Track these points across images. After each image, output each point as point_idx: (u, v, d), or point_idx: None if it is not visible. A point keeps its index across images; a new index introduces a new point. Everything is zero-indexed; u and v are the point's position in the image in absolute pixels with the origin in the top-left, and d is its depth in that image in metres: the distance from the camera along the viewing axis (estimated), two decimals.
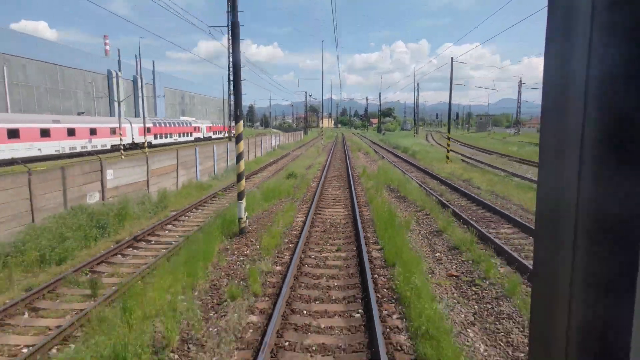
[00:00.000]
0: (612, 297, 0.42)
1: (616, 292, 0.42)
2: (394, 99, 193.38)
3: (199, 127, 59.87)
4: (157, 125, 47.20)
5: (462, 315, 5.48)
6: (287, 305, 5.59)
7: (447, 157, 23.70)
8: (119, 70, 51.83)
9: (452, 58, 22.93)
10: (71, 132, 31.71)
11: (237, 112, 8.61)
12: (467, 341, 4.82)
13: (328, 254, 7.88)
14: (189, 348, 4.59)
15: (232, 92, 30.65)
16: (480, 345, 4.77)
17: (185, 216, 11.67)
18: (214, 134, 64.00)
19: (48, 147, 29.04)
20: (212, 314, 5.39)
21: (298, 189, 14.64)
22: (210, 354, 4.48)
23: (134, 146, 40.17)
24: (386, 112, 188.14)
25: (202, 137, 58.91)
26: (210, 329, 4.99)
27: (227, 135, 66.90)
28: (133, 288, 5.81)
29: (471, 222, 9.74)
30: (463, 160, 26.34)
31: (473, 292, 6.20)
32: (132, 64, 51.33)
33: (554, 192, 0.48)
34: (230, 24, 8.36)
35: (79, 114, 43.92)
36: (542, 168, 0.50)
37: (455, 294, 6.18)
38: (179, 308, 5.27)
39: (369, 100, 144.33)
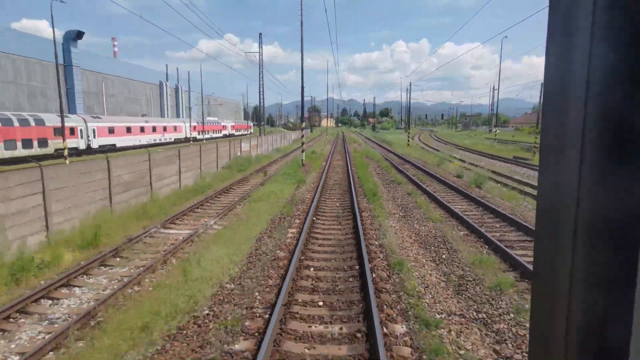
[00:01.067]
0: (611, 297, 0.42)
1: (616, 292, 0.42)
2: (395, 98, 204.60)
3: (226, 126, 73.78)
4: (200, 124, 61.39)
5: (378, 179, 19.60)
6: (326, 174, 19.75)
7: (408, 144, 37.85)
8: (167, 80, 66.01)
9: (410, 82, 37.05)
10: (154, 129, 45.85)
11: (302, 119, 22.75)
12: (375, 180, 18.86)
13: (337, 171, 22.07)
14: (301, 185, 18.71)
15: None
16: (378, 180, 18.87)
17: (271, 165, 25.74)
18: (236, 131, 78.01)
19: (143, 139, 43.13)
20: (308, 175, 19.59)
21: (320, 156, 28.80)
22: (310, 179, 18.57)
23: (186, 140, 54.16)
24: (384, 112, 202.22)
25: (228, 133, 72.80)
26: (309, 177, 19.15)
27: (246, 132, 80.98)
28: (278, 173, 19.90)
29: (394, 163, 23.92)
30: (421, 147, 40.48)
31: (383, 177, 20.32)
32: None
33: (554, 192, 0.49)
34: (302, 100, 22.25)
35: (142, 115, 57.96)
36: (543, 167, 0.51)
37: (377, 178, 20.30)
38: (298, 172, 19.46)
39: (368, 101, 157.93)
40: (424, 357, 4.48)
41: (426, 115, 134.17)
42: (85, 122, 33.25)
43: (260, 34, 50.24)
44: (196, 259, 7.33)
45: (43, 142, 28.75)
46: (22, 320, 5.73)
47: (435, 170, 20.60)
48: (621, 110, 0.41)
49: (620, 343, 0.41)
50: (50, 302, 6.28)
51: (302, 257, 7.70)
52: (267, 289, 6.36)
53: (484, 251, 8.12)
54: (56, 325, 5.51)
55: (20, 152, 26.50)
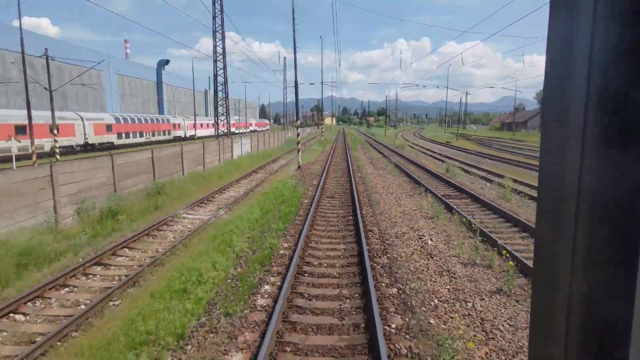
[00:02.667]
0: (612, 288, 0.42)
1: (617, 282, 0.42)
2: (394, 97, 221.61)
3: (252, 124, 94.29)
4: (235, 122, 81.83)
5: (359, 147, 40.18)
6: (335, 145, 40.41)
7: (385, 135, 58.26)
8: (209, 88, 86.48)
9: (392, 97, 57.41)
10: (212, 125, 66.18)
11: (320, 116, 43.33)
12: (357, 147, 39.36)
13: (339, 145, 42.76)
14: (325, 147, 39.32)
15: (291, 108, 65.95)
16: (359, 147, 39.44)
17: (304, 144, 46.26)
18: (258, 127, 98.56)
19: (207, 132, 63.53)
20: (326, 146, 40.31)
21: (330, 141, 49.47)
22: (328, 146, 39.14)
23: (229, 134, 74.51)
24: (380, 112, 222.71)
25: (252, 129, 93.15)
26: (327, 146, 39.80)
27: (265, 128, 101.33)
28: (312, 145, 40.44)
29: (371, 144, 44.54)
30: (394, 137, 60.92)
31: (361, 147, 40.90)
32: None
33: (555, 182, 0.48)
34: (319, 103, 42.64)
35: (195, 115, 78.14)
36: (544, 158, 0.50)
37: (359, 147, 40.89)
38: (321, 144, 40.12)
39: (367, 100, 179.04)
40: (358, 167, 25.16)
41: (414, 114, 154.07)
42: (184, 120, 53.73)
43: (284, 57, 70.77)
44: (305, 157, 27.83)
45: (168, 133, 49.26)
46: (259, 173, 26.44)
47: (389, 145, 41.16)
48: (623, 98, 0.41)
49: (621, 333, 0.41)
50: (273, 163, 26.79)
51: (331, 157, 28.26)
52: (325, 157, 26.86)
53: (381, 157, 28.61)
54: (276, 167, 26.15)
55: (160, 137, 47.00)
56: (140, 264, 7.61)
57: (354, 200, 11.76)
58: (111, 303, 6.11)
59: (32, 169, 9.89)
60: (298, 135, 24.23)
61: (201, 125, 60.60)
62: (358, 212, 10.26)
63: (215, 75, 29.41)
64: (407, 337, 4.73)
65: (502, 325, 5.00)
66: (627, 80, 0.40)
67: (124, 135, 37.73)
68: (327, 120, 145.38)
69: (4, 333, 5.26)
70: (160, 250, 8.44)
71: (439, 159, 26.88)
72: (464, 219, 9.76)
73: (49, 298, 6.30)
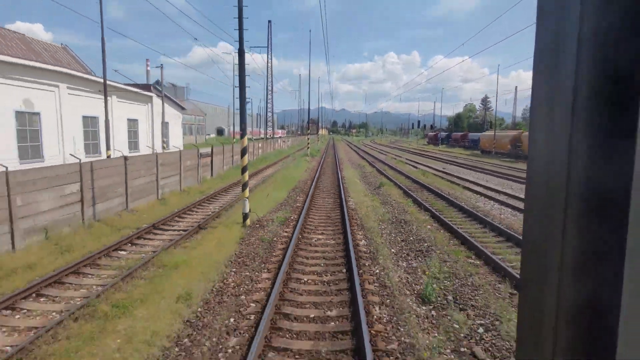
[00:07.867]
0: (600, 275, 0.42)
1: (605, 270, 0.42)
2: (384, 107, 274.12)
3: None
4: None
5: (338, 144, 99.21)
6: (328, 145, 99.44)
7: (353, 140, 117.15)
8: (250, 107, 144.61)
9: (381, 108, 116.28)
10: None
11: (307, 127, 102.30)
12: (337, 144, 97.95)
13: (330, 144, 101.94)
14: (323, 144, 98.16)
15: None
16: (338, 144, 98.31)
17: (309, 144, 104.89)
18: (253, 136, 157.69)
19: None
20: (323, 144, 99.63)
21: (323, 145, 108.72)
22: (324, 145, 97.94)
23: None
24: (361, 125, 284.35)
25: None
26: (323, 144, 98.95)
27: (262, 137, 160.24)
28: (316, 144, 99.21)
29: (346, 142, 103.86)
30: (361, 141, 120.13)
31: (340, 143, 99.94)
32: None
33: (544, 176, 0.48)
34: (309, 119, 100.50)
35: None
36: (532, 146, 0.50)
37: (338, 144, 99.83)
38: (321, 143, 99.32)
39: (358, 112, 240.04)
40: (337, 144, 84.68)
41: (410, 122, 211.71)
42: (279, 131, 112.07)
43: (301, 77, 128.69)
44: (316, 145, 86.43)
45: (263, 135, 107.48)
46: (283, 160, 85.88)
47: (353, 143, 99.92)
48: (612, 88, 0.40)
49: (610, 331, 0.41)
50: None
51: (330, 143, 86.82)
52: (327, 142, 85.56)
53: (348, 145, 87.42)
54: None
55: (261, 136, 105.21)
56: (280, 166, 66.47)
57: (334, 143, 70.91)
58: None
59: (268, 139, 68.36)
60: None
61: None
62: (335, 145, 69.08)
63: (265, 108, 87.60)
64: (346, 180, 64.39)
65: (356, 159, 64.72)
66: (616, 67, 0.39)
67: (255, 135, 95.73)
68: (322, 131, 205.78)
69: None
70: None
71: (360, 144, 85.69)
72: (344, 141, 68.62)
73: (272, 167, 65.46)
